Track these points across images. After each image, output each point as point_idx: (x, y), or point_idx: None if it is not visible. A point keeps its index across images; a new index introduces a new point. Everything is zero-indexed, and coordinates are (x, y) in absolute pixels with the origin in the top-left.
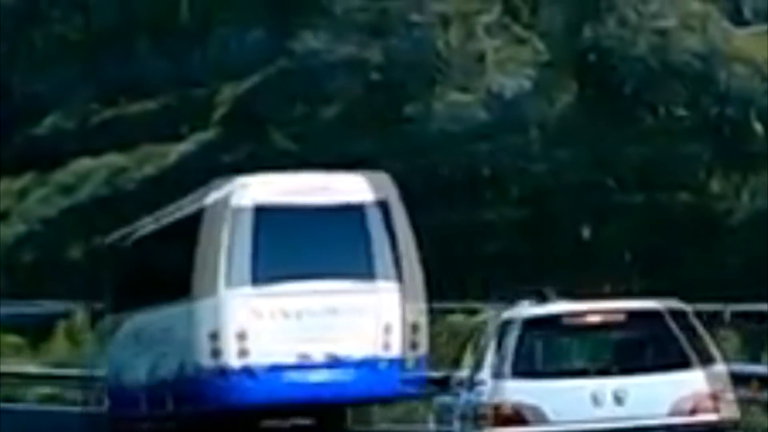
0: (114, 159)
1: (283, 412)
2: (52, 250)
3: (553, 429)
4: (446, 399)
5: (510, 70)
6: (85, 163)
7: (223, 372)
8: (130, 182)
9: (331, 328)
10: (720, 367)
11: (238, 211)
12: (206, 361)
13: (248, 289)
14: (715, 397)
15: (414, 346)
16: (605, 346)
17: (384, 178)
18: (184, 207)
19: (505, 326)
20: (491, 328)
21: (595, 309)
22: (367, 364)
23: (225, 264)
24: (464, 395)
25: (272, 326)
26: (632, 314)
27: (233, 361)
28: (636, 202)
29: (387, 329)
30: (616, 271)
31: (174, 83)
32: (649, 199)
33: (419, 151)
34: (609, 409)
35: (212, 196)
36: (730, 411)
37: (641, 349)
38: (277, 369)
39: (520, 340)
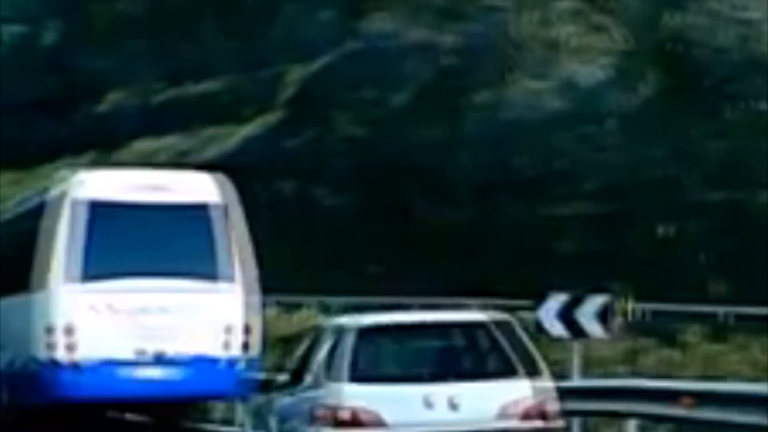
0: (175, 141)
1: (117, 407)
2: None
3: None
4: (262, 400)
5: (586, 58)
6: (146, 144)
7: (54, 366)
8: (190, 166)
9: (164, 326)
10: (545, 379)
11: (74, 205)
12: (39, 355)
13: (79, 285)
14: (541, 404)
15: (246, 347)
16: (436, 355)
17: (223, 180)
18: (28, 200)
19: (340, 333)
20: (327, 335)
21: (423, 321)
22: (201, 363)
23: (59, 259)
24: (291, 398)
25: (103, 322)
26: (459, 325)
27: (62, 355)
28: (715, 200)
29: (224, 329)
30: (694, 271)
31: (239, 64)
32: (730, 197)
33: (490, 140)
34: (441, 414)
35: (53, 190)
36: (555, 421)
37: (470, 357)
38: (106, 365)
39: (356, 346)
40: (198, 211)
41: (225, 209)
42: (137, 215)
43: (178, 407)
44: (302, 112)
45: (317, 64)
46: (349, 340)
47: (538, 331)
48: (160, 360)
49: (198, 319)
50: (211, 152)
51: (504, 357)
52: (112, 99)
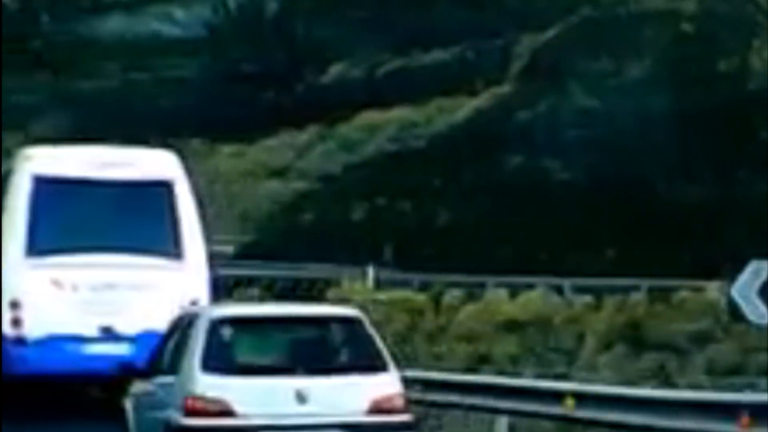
0: (403, 113)
1: (65, 383)
2: (332, 210)
3: (240, 423)
4: (142, 386)
5: None
6: (371, 116)
7: (21, 339)
8: (418, 138)
9: (110, 301)
10: (393, 374)
11: (20, 181)
12: (7, 328)
13: (24, 260)
14: (404, 398)
15: None
16: (295, 347)
17: (171, 157)
18: (6, 176)
19: (197, 323)
20: (186, 325)
21: (280, 313)
22: (146, 339)
23: (5, 234)
24: (155, 385)
25: (48, 297)
26: (316, 319)
27: (7, 330)
28: None
29: (173, 305)
30: None
31: (468, 33)
32: None
33: (734, 112)
34: (297, 407)
35: (18, 166)
36: (401, 415)
37: (324, 350)
38: (51, 340)
39: (210, 337)
40: (140, 188)
41: (170, 185)
42: (81, 191)
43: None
44: (535, 82)
45: (550, 33)
46: (205, 330)
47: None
48: (104, 336)
49: (140, 295)
50: (440, 124)
51: (359, 351)
52: (336, 70)
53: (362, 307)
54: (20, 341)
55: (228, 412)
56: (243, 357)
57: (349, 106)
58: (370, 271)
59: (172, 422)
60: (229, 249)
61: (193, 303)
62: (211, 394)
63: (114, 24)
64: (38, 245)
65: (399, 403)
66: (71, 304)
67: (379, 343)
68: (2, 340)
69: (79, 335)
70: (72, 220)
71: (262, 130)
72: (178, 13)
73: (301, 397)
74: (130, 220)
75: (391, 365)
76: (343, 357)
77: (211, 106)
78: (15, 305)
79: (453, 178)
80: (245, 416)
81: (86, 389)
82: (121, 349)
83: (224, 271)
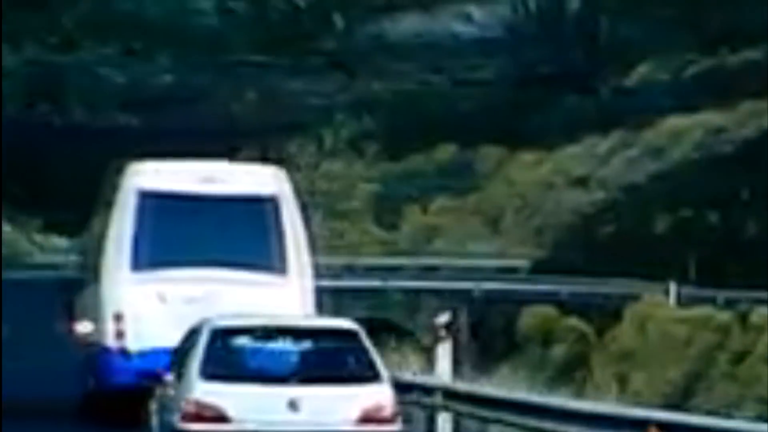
0: (710, 117)
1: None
2: (634, 222)
3: (233, 428)
4: (162, 390)
5: None
6: (677, 121)
7: (105, 352)
8: (726, 144)
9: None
10: (386, 385)
11: (126, 196)
12: (111, 340)
13: (128, 274)
14: (394, 408)
15: None
16: (291, 358)
17: (278, 173)
18: (102, 191)
19: (201, 332)
20: (194, 335)
21: (279, 325)
22: None
23: (111, 248)
24: (169, 390)
25: (151, 311)
26: (316, 331)
27: (111, 342)
28: None
29: None
30: None
31: None
32: None
33: None
34: (289, 414)
35: (109, 181)
36: (392, 424)
37: (324, 361)
38: (154, 353)
39: (210, 345)
40: (245, 203)
41: (278, 201)
42: (185, 206)
43: None
44: None
45: None
46: (206, 340)
47: None
48: None
49: (250, 310)
50: (749, 129)
51: (353, 362)
52: (641, 71)
53: (662, 326)
54: (123, 353)
55: (222, 418)
56: (239, 366)
57: (654, 111)
58: (672, 287)
59: (174, 426)
60: (523, 263)
61: None
62: (207, 399)
63: (409, 24)
64: (142, 259)
65: (388, 412)
66: (174, 317)
67: (374, 355)
68: (106, 352)
69: None
70: (175, 235)
71: (562, 136)
72: (476, 12)
73: (293, 406)
74: (232, 235)
75: (384, 376)
76: (337, 368)
77: (509, 110)
78: (118, 318)
79: (763, 187)
80: (239, 422)
81: None
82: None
83: (519, 286)
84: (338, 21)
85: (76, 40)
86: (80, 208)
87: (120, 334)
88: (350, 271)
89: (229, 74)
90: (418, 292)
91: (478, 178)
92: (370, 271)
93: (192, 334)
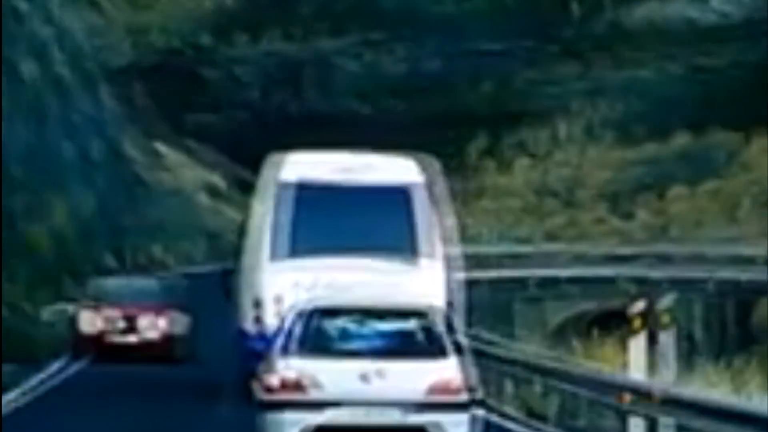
0: None
1: None
2: None
3: (312, 398)
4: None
5: None
6: None
7: (244, 337)
8: None
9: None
10: (467, 359)
11: (283, 186)
12: (250, 326)
13: (267, 263)
14: (461, 381)
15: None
16: (369, 335)
17: (429, 160)
18: (256, 182)
19: (293, 314)
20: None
21: (361, 306)
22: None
23: (251, 237)
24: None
25: (288, 298)
26: (389, 312)
27: (250, 327)
28: None
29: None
30: None
31: None
32: None
33: None
34: (364, 386)
35: (265, 173)
36: (463, 394)
37: (399, 339)
38: None
39: (294, 324)
40: (387, 193)
41: (426, 189)
42: (339, 196)
43: None
44: None
45: None
46: (290, 319)
47: None
48: None
49: (395, 295)
50: None
51: (425, 340)
52: None
53: None
54: (261, 338)
55: (303, 388)
56: (322, 342)
57: None
58: None
59: (259, 399)
60: (761, 252)
61: (449, 304)
62: (290, 373)
63: (644, 12)
64: (281, 249)
65: (455, 385)
66: (334, 298)
67: (444, 334)
68: (245, 336)
69: None
70: (313, 224)
71: None
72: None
73: (367, 378)
74: (369, 224)
75: (452, 353)
76: (410, 345)
77: (745, 96)
78: (258, 304)
79: None
80: (318, 392)
81: None
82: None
83: (756, 276)
84: (575, 9)
85: (313, 31)
86: None
87: (258, 320)
88: (582, 260)
89: (465, 62)
90: (651, 281)
91: (714, 164)
92: (603, 260)
93: (291, 315)
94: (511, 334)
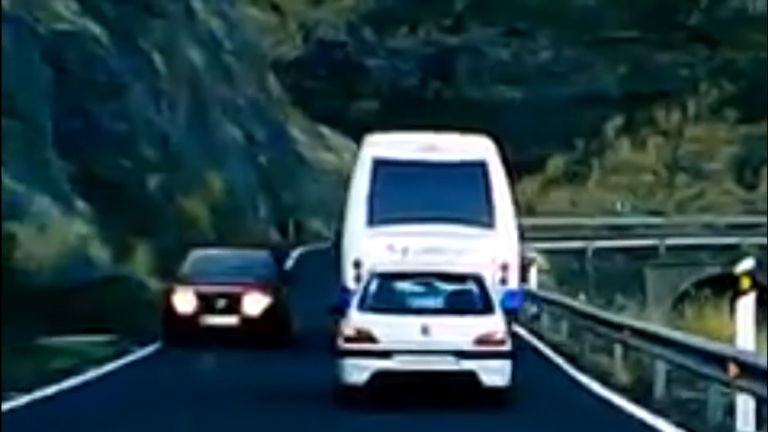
0: None
1: None
2: None
3: (379, 347)
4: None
5: None
6: None
7: (347, 293)
8: None
9: (433, 263)
10: (498, 316)
11: (378, 163)
12: (351, 283)
13: (365, 229)
14: (504, 334)
15: (503, 281)
16: (427, 295)
17: (487, 141)
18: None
19: (373, 276)
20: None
21: (420, 270)
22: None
23: (351, 207)
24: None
25: (383, 259)
26: (444, 276)
27: (350, 284)
28: None
29: (487, 265)
30: None
31: None
32: None
33: None
34: (422, 337)
35: (364, 151)
36: (503, 345)
37: (452, 298)
38: None
39: (368, 285)
40: (465, 168)
41: (486, 166)
42: (411, 171)
43: None
44: None
45: None
46: (364, 282)
47: None
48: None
49: (463, 258)
50: None
51: (474, 299)
52: None
53: None
54: None
55: (372, 339)
56: (387, 301)
57: None
58: None
59: (339, 347)
60: None
61: (504, 267)
62: (360, 326)
63: None
64: (376, 216)
65: (499, 337)
66: (401, 265)
67: (492, 294)
68: (347, 292)
69: None
70: (402, 195)
71: None
72: None
73: (425, 331)
74: (450, 195)
75: (498, 311)
76: (461, 303)
77: None
78: (357, 264)
79: None
80: (383, 342)
81: None
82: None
83: None
84: None
85: (465, 23)
86: None
87: (358, 278)
88: (711, 228)
89: (602, 49)
90: None
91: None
92: (729, 228)
93: (367, 277)
94: (642, 300)
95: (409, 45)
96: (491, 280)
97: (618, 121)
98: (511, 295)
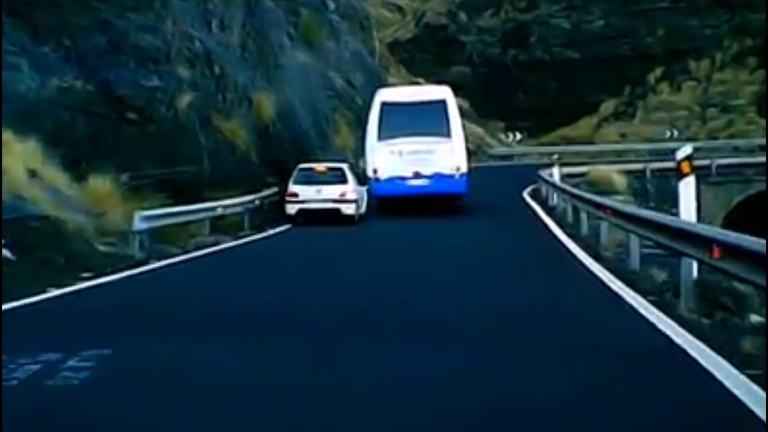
0: None
1: (402, 199)
2: None
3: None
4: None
5: None
6: None
7: (372, 180)
8: None
9: (418, 160)
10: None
11: (376, 104)
12: (370, 175)
13: (377, 143)
14: (352, 191)
15: (457, 169)
16: (326, 176)
17: (446, 88)
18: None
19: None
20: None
21: (326, 167)
22: (435, 177)
23: (371, 131)
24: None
25: (389, 160)
26: (332, 168)
27: (372, 175)
28: None
29: (451, 161)
30: None
31: None
32: None
33: None
34: (320, 195)
35: (374, 98)
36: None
37: (333, 175)
38: (391, 179)
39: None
40: (434, 104)
41: (447, 103)
42: (405, 107)
43: (434, 200)
44: None
45: None
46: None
47: None
48: (420, 176)
49: (439, 157)
50: None
51: (342, 178)
52: None
53: None
54: (377, 181)
55: (296, 194)
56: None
57: None
58: None
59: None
60: None
61: (457, 167)
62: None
63: None
64: (383, 135)
65: (348, 196)
66: (400, 162)
67: (348, 174)
68: (372, 180)
69: (404, 176)
70: (398, 122)
71: None
72: None
73: (319, 191)
74: (425, 120)
75: (353, 182)
76: (334, 179)
77: None
78: (375, 171)
79: None
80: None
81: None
82: (423, 183)
83: None
84: None
85: (535, 2)
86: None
87: (375, 171)
88: (737, 150)
89: (643, 17)
90: None
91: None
92: (745, 152)
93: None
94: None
95: (493, 24)
96: (450, 170)
97: (658, 71)
98: (459, 180)
